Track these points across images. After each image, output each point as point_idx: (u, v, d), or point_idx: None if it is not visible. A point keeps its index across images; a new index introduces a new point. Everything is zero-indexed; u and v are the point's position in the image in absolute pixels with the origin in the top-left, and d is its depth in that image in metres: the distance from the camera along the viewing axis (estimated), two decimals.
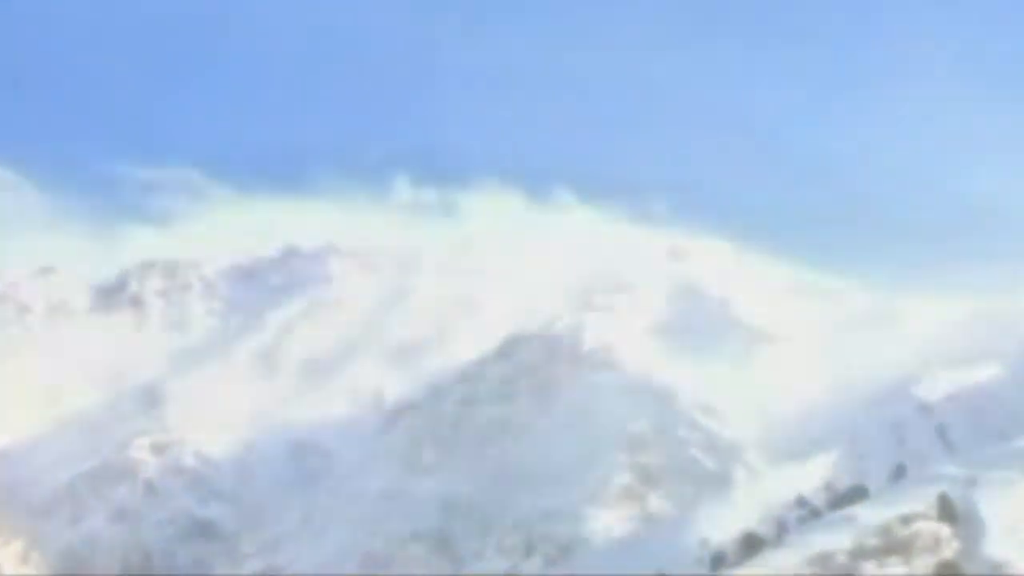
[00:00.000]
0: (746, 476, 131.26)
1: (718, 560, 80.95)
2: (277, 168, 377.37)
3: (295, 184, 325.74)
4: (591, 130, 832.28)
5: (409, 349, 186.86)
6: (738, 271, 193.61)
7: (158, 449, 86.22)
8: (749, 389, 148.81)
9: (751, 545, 74.91)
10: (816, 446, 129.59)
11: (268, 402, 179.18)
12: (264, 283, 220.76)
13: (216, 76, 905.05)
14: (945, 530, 64.20)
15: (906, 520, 64.57)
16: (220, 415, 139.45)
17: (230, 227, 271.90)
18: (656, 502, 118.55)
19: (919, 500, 66.91)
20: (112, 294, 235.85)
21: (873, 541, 63.73)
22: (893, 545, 63.44)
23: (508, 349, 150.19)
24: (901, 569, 62.14)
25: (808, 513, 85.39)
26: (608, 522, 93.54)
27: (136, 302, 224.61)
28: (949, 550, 63.27)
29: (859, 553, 63.34)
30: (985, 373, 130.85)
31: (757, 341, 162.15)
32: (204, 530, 79.34)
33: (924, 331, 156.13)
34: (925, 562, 62.73)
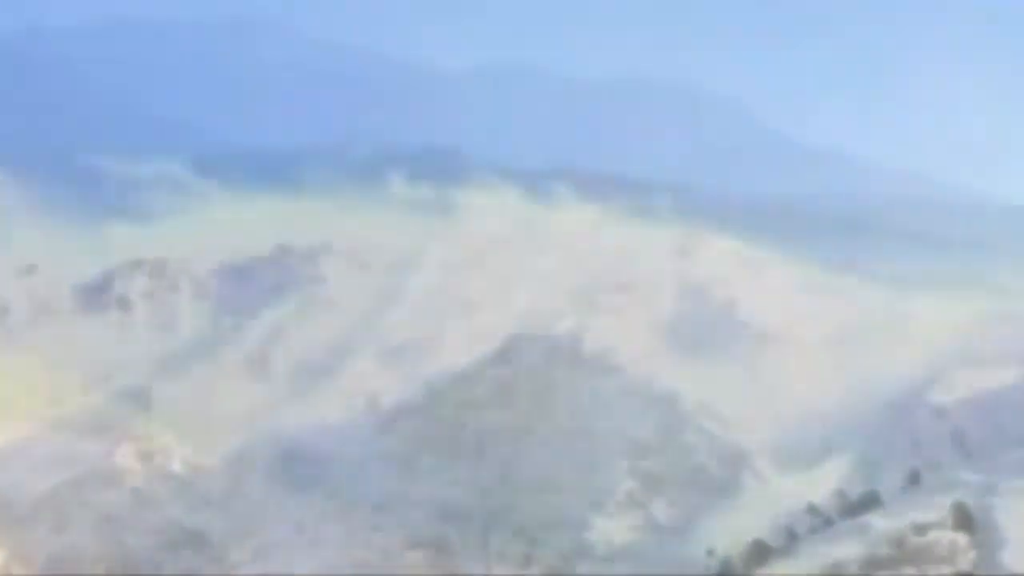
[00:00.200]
0: (754, 483, 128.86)
1: (725, 570, 78.84)
2: (268, 163, 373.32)
3: (287, 180, 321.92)
4: (592, 125, 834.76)
5: (405, 351, 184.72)
6: (746, 270, 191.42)
7: (145, 455, 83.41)
8: (757, 393, 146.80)
9: (760, 554, 72.92)
10: (827, 452, 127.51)
11: (260, 406, 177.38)
12: (256, 283, 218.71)
13: (207, 71, 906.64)
14: (961, 539, 62.15)
15: (921, 529, 62.64)
16: (210, 420, 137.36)
17: (220, 225, 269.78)
18: (661, 510, 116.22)
19: (934, 508, 64.99)
20: (97, 294, 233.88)
21: (886, 551, 61.75)
22: (907, 555, 61.31)
23: (507, 351, 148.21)
24: None
25: (819, 521, 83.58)
26: (611, 530, 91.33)
27: (122, 302, 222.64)
28: (965, 560, 61.05)
29: (872, 563, 61.39)
30: (1004, 376, 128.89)
31: (766, 343, 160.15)
32: (193, 539, 76.76)
33: (940, 332, 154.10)
34: (940, 572, 60.47)
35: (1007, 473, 74.84)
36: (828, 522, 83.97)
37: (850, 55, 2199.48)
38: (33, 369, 64.80)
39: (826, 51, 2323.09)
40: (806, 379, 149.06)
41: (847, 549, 62.96)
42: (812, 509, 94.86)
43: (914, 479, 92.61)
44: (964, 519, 63.92)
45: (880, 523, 66.97)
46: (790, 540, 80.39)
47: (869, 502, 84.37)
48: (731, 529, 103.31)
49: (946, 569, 59.59)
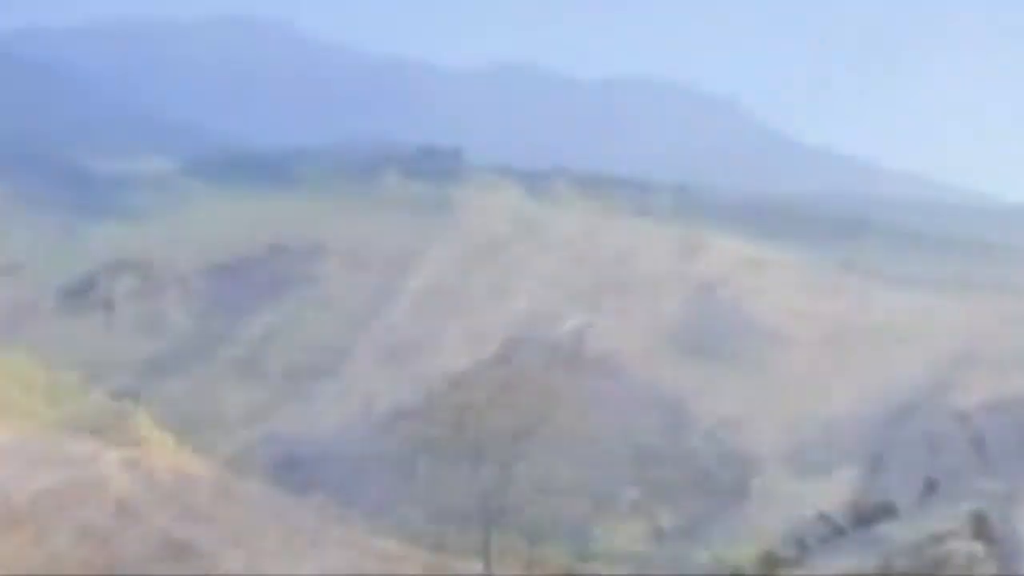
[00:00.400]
0: (764, 491, 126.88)
1: None
2: (266, 163, 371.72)
3: (285, 180, 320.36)
4: (592, 124, 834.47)
5: (402, 353, 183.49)
6: (747, 270, 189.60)
7: (130, 463, 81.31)
8: (764, 395, 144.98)
9: (769, 565, 70.94)
10: (839, 457, 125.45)
11: (251, 411, 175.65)
12: (246, 282, 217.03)
13: (207, 71, 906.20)
14: (980, 550, 59.95)
15: (938, 539, 60.38)
16: (201, 424, 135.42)
17: (213, 224, 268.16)
18: (667, 518, 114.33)
19: (952, 518, 62.74)
20: (81, 294, 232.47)
21: (902, 562, 59.54)
22: (923, 566, 59.13)
23: (507, 352, 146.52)
24: None
25: (831, 531, 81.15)
26: (615, 539, 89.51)
27: (107, 304, 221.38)
28: (984, 572, 58.92)
29: (887, 575, 59.31)
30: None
31: (771, 344, 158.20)
32: (181, 550, 74.78)
33: (959, 334, 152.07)
34: None
35: None
36: (840, 532, 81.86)
37: (850, 55, 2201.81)
38: (14, 370, 62.89)
39: (826, 51, 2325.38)
40: (814, 381, 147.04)
41: (861, 561, 60.93)
42: (824, 518, 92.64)
43: (931, 487, 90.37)
44: (983, 529, 61.93)
45: (895, 533, 64.91)
46: (801, 550, 78.38)
47: (883, 511, 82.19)
48: (739, 539, 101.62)
49: None
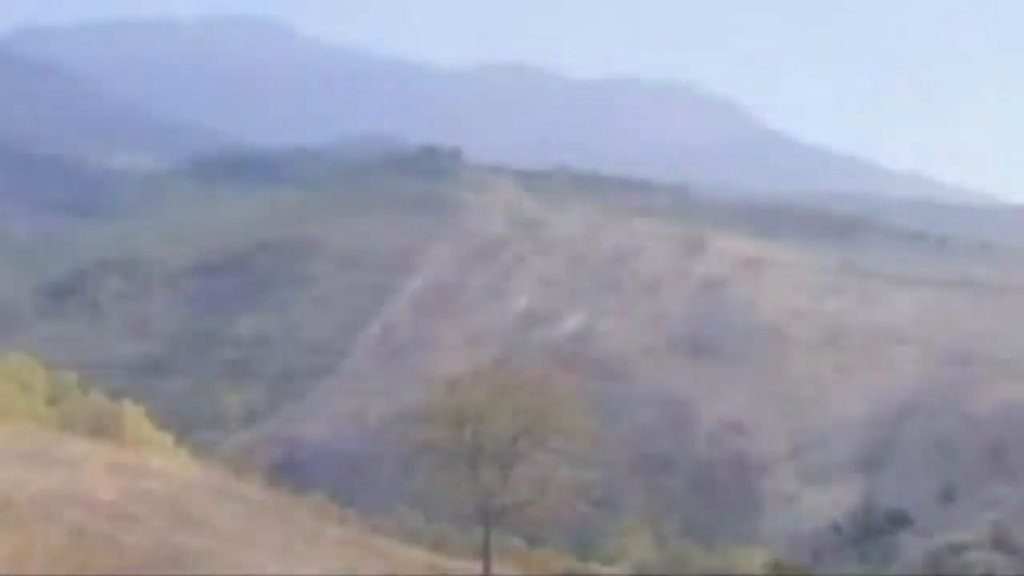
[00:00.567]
0: (765, 491, 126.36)
1: None
2: (265, 163, 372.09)
3: (283, 180, 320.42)
4: (591, 124, 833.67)
5: (401, 353, 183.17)
6: (748, 270, 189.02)
7: (129, 464, 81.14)
8: (768, 397, 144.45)
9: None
10: (842, 460, 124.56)
11: (249, 411, 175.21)
12: (246, 282, 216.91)
13: (207, 71, 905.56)
14: (1000, 561, 58.03)
15: (955, 550, 58.54)
16: (194, 424, 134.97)
17: (208, 222, 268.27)
18: (674, 527, 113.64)
19: (970, 527, 61.04)
20: (64, 295, 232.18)
21: (919, 573, 57.78)
22: None
23: (507, 353, 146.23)
24: None
25: (844, 541, 79.64)
26: (622, 549, 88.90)
27: (92, 304, 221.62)
28: None
29: None
30: None
31: (776, 345, 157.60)
32: (179, 551, 74.69)
33: (959, 334, 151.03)
34: None
35: None
36: (855, 541, 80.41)
37: (851, 55, 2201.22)
38: (12, 370, 62.21)
39: (826, 51, 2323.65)
40: (814, 381, 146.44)
41: (875, 571, 59.50)
42: (837, 527, 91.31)
43: (948, 495, 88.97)
44: (1003, 539, 60.20)
45: (911, 543, 63.30)
46: (814, 560, 76.97)
47: (898, 520, 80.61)
48: (750, 548, 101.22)
49: None
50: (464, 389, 34.22)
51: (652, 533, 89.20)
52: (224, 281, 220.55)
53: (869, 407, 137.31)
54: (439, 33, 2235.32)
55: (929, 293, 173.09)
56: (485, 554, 35.75)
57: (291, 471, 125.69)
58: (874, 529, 76.48)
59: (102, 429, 48.47)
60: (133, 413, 53.17)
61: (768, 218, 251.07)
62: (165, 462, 37.58)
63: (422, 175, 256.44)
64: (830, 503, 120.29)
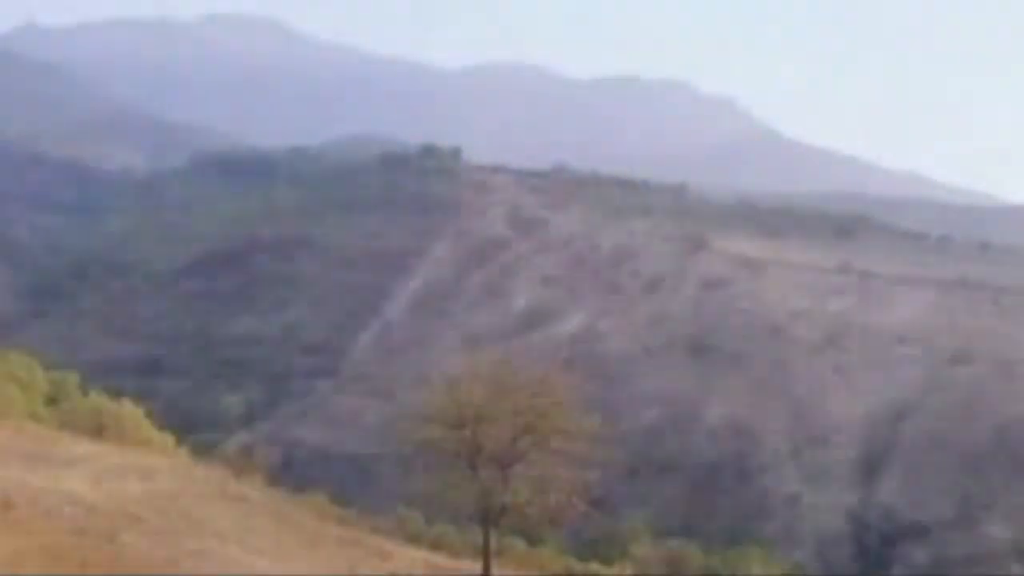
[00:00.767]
0: (775, 499, 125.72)
1: None
2: (259, 159, 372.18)
3: (278, 176, 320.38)
4: (591, 124, 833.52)
5: (400, 352, 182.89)
6: (748, 270, 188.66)
7: (129, 464, 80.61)
8: (768, 397, 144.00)
9: None
10: (854, 465, 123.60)
11: (249, 411, 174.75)
12: (246, 282, 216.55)
13: (207, 71, 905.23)
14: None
15: (976, 561, 57.18)
16: (197, 426, 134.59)
17: (208, 222, 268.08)
18: (675, 527, 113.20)
19: (991, 539, 59.96)
20: (64, 295, 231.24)
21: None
22: None
23: (506, 353, 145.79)
24: None
25: (858, 551, 78.51)
26: (622, 549, 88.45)
27: (91, 304, 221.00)
28: None
29: None
30: None
31: (776, 345, 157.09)
32: (180, 551, 74.46)
33: (959, 334, 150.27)
34: None
35: None
36: (868, 552, 78.93)
37: (851, 55, 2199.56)
38: (12, 369, 61.45)
39: (826, 51, 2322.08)
40: (814, 381, 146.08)
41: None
42: (852, 537, 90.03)
43: (966, 503, 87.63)
44: None
45: (925, 555, 61.82)
46: (826, 569, 75.68)
47: (916, 531, 78.70)
48: (759, 560, 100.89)
49: None
50: (464, 389, 34.15)
51: (652, 533, 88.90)
52: (223, 281, 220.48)
53: (869, 407, 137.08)
54: (439, 33, 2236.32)
55: (929, 293, 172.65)
56: (485, 554, 35.73)
57: (291, 471, 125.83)
58: (890, 540, 74.81)
59: (102, 429, 48.50)
60: (133, 413, 53.21)
61: (768, 218, 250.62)
62: (165, 462, 37.55)
63: (422, 175, 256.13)
64: (830, 503, 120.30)
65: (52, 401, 58.08)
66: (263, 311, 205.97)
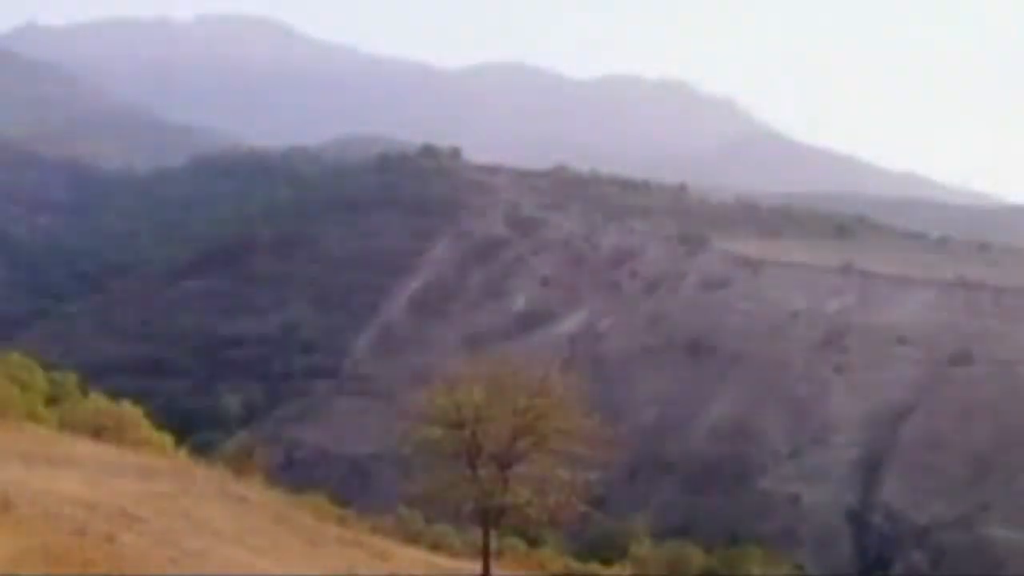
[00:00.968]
0: (775, 499, 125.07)
1: None
2: (259, 159, 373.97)
3: (278, 176, 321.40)
4: (591, 124, 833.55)
5: (400, 352, 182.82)
6: (755, 269, 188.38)
7: (129, 464, 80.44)
8: (768, 397, 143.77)
9: None
10: (853, 465, 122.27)
11: (249, 411, 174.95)
12: (245, 282, 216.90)
13: (207, 71, 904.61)
14: None
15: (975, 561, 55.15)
16: (197, 426, 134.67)
17: (207, 221, 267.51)
18: (674, 527, 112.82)
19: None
20: (64, 295, 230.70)
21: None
22: None
23: (506, 352, 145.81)
24: None
25: (858, 551, 77.45)
26: (622, 549, 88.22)
27: (91, 304, 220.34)
28: None
29: None
30: None
31: (776, 345, 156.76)
32: (180, 551, 74.31)
33: (959, 334, 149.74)
34: None
35: None
36: (868, 552, 77.92)
37: (850, 55, 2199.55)
38: (12, 370, 61.09)
39: (826, 51, 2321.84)
40: (814, 381, 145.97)
41: None
42: (851, 539, 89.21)
43: (966, 503, 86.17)
44: None
45: (925, 555, 60.20)
46: (826, 569, 75.07)
47: (915, 531, 76.86)
48: (742, 539, 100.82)
49: None
50: (463, 389, 34.09)
51: (652, 533, 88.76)
52: (223, 281, 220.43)
53: (869, 407, 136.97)
54: (439, 33, 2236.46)
55: (929, 293, 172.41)
56: (485, 554, 35.71)
57: (291, 471, 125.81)
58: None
59: (101, 429, 48.45)
60: (132, 413, 53.14)
61: (768, 218, 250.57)
62: (164, 462, 37.54)
63: (421, 175, 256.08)
64: (830, 503, 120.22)
65: (52, 401, 58.02)
66: (262, 311, 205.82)
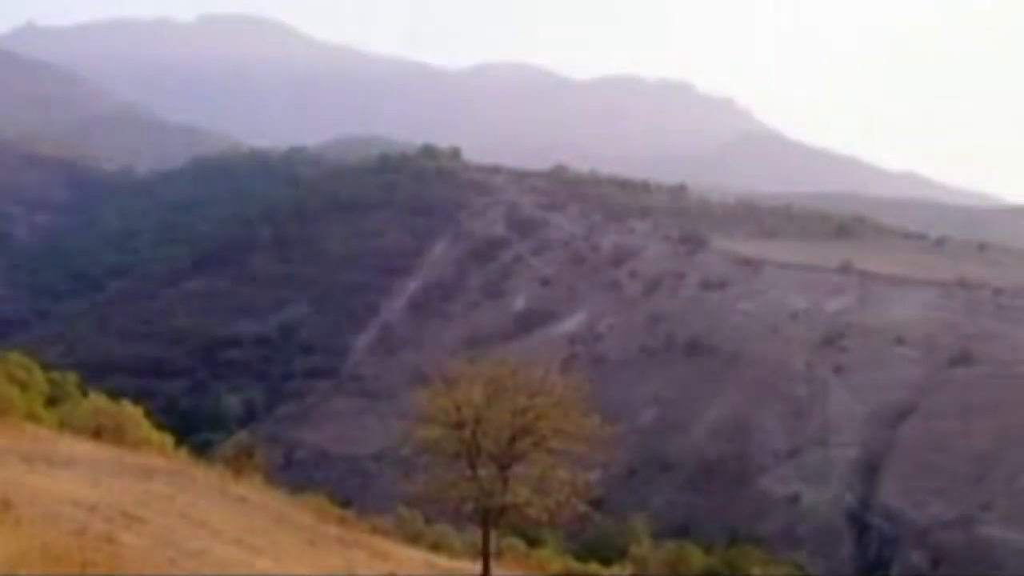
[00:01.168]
0: (774, 499, 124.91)
1: None
2: (258, 159, 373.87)
3: (278, 177, 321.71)
4: (591, 124, 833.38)
5: (400, 352, 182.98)
6: (755, 269, 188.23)
7: (129, 464, 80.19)
8: (767, 397, 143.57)
9: None
10: (853, 465, 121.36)
11: (249, 411, 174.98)
12: (246, 282, 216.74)
13: (207, 71, 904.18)
14: None
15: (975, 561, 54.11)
16: (197, 426, 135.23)
17: (207, 221, 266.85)
18: (674, 527, 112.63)
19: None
20: (64, 295, 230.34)
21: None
22: None
23: (506, 352, 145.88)
24: None
25: (858, 551, 76.45)
26: (622, 549, 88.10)
27: (91, 304, 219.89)
28: None
29: None
30: None
31: (786, 346, 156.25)
32: (180, 551, 74.15)
33: (975, 336, 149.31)
34: None
35: None
36: (867, 552, 76.69)
37: (850, 55, 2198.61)
38: (12, 370, 60.82)
39: (826, 51, 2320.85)
40: (814, 381, 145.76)
41: None
42: (851, 539, 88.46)
43: (966, 503, 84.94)
44: None
45: (924, 555, 58.83)
46: (826, 569, 74.39)
47: (914, 531, 75.16)
48: (741, 538, 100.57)
49: None
50: (463, 390, 34.11)
51: (652, 533, 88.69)
52: (223, 281, 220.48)
53: (869, 407, 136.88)
54: (439, 33, 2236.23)
55: (929, 293, 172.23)
56: (484, 554, 35.71)
57: (291, 471, 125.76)
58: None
59: (101, 430, 48.44)
60: (132, 413, 53.13)
61: (767, 218, 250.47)
62: (164, 463, 37.53)
63: (421, 175, 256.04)
64: (830, 503, 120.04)
65: (52, 401, 58.15)
66: (262, 311, 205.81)
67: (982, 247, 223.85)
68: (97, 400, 58.05)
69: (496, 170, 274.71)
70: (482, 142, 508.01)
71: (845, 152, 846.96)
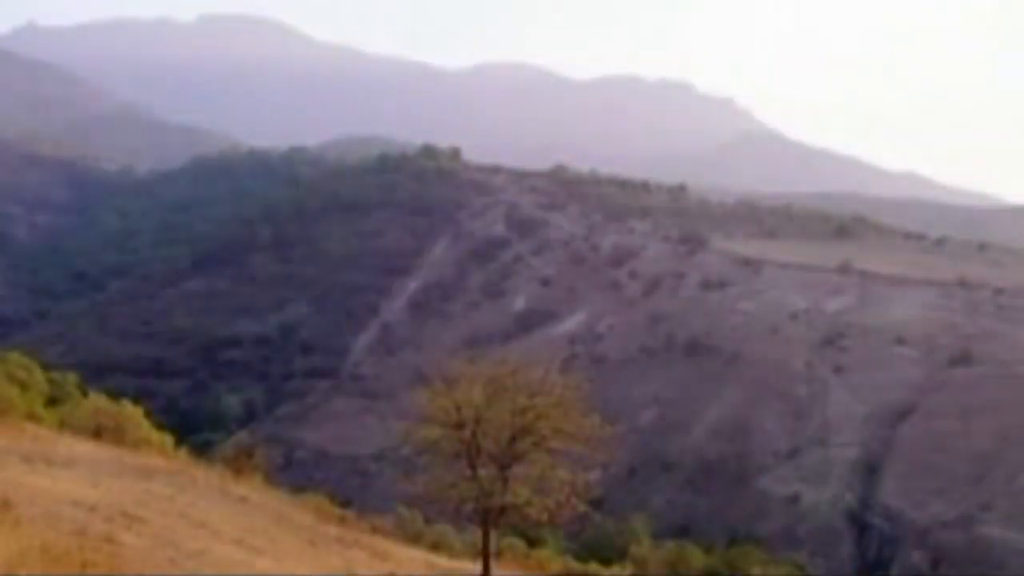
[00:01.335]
0: (774, 499, 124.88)
1: None
2: (258, 159, 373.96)
3: (278, 177, 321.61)
4: (591, 124, 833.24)
5: (400, 352, 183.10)
6: (755, 269, 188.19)
7: (129, 464, 79.98)
8: (767, 397, 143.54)
9: None
10: (853, 465, 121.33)
11: (249, 411, 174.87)
12: (246, 282, 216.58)
13: (207, 71, 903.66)
14: None
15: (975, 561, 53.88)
16: (197, 426, 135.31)
17: (207, 222, 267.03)
18: (674, 527, 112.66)
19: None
20: (64, 295, 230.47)
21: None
22: None
23: (505, 352, 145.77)
24: None
25: (858, 551, 76.31)
26: (622, 549, 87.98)
27: (91, 304, 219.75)
28: None
29: None
30: None
31: (786, 346, 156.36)
32: (180, 551, 73.98)
33: (975, 336, 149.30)
34: None
35: None
36: (867, 552, 76.62)
37: (850, 55, 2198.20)
38: (12, 370, 60.63)
39: (826, 51, 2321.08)
40: (813, 381, 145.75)
41: None
42: (851, 539, 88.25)
43: (966, 503, 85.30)
44: None
45: (924, 555, 59.07)
46: (826, 569, 74.35)
47: (914, 531, 75.20)
48: (741, 537, 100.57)
49: None
50: (463, 390, 34.05)
51: (652, 533, 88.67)
52: (223, 281, 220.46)
53: (869, 407, 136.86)
54: (439, 33, 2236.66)
55: (928, 293, 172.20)
56: (484, 554, 35.67)
57: (291, 471, 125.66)
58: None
59: (101, 430, 48.43)
60: (132, 413, 53.13)
61: (767, 218, 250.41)
62: (164, 463, 37.50)
63: (421, 175, 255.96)
64: (830, 503, 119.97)
65: (52, 401, 58.16)
66: (262, 311, 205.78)
67: (982, 247, 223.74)
68: (97, 400, 58.05)
69: (496, 170, 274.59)
70: (482, 142, 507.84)
71: (845, 152, 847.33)
